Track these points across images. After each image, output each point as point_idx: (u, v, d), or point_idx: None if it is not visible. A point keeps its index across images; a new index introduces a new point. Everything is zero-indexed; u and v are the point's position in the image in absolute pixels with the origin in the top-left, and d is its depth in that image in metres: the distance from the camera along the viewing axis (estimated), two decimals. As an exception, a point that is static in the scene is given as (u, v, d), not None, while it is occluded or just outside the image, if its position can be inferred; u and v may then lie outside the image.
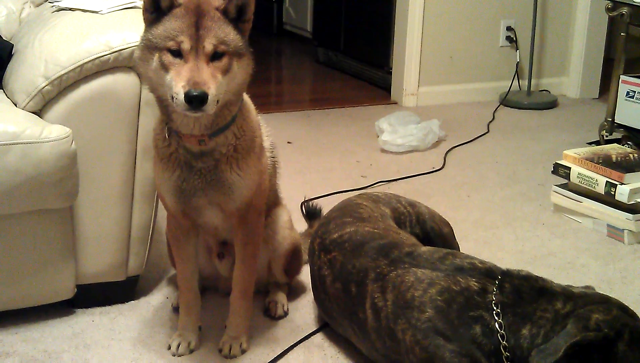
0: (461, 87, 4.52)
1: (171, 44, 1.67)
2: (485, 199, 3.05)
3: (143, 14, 1.73)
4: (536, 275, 1.67)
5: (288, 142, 3.80)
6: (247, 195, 1.87)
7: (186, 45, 1.66)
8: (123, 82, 2.04)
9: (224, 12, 1.71)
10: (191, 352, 1.97)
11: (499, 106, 4.42)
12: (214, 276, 2.18)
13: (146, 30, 1.73)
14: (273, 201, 2.18)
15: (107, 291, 2.19)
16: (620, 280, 2.31)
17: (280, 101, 4.94)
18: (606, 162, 2.70)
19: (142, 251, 2.21)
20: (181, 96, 1.62)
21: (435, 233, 2.17)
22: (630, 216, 2.57)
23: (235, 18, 1.73)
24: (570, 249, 2.56)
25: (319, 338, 2.04)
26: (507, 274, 1.67)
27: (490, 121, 4.16)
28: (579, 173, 2.74)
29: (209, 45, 1.67)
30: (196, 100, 1.62)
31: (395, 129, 3.72)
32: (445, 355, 1.59)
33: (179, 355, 1.95)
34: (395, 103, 4.46)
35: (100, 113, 2.04)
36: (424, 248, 1.83)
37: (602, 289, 1.76)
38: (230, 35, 1.70)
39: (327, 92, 4.95)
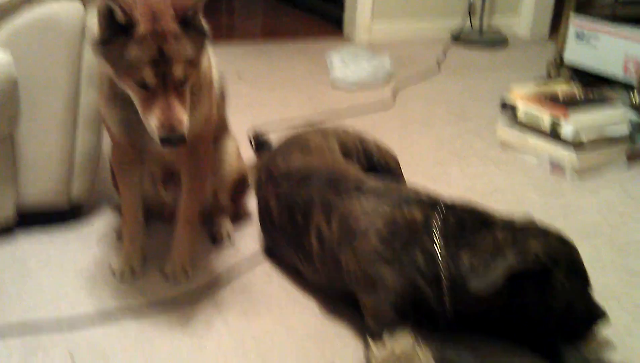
0: (413, 25, 4.50)
1: (136, 77, 1.56)
2: (434, 136, 3.07)
3: (98, 27, 1.57)
4: (479, 206, 1.69)
5: (239, 77, 3.76)
6: (197, 128, 1.84)
7: (152, 80, 1.56)
8: (67, 10, 1.99)
9: (182, 20, 1.58)
10: (135, 278, 1.96)
11: (450, 44, 4.42)
12: (159, 204, 2.16)
13: (102, 44, 1.57)
14: (222, 132, 2.16)
15: (50, 218, 2.17)
16: (562, 214, 2.37)
17: (231, 34, 4.85)
18: (553, 100, 2.74)
19: (85, 179, 2.18)
20: (156, 137, 1.59)
21: (382, 166, 2.18)
22: (573, 152, 2.62)
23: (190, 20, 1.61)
24: (515, 184, 2.61)
25: (265, 265, 2.05)
26: (451, 206, 1.69)
27: (442, 59, 4.17)
28: (526, 111, 2.78)
29: (177, 74, 1.58)
30: (173, 144, 1.59)
31: (346, 65, 3.70)
32: (387, 280, 1.62)
33: (123, 281, 1.94)
34: (348, 39, 4.43)
35: (43, 40, 1.99)
36: (371, 181, 1.84)
37: (544, 222, 1.80)
38: (193, 47, 1.60)
39: (279, 26, 4.90)
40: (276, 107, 3.37)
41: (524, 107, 2.79)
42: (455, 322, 1.63)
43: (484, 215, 1.66)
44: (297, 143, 2.08)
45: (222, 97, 2.09)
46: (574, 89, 2.97)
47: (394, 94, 3.57)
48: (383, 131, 3.08)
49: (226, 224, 2.18)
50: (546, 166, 2.71)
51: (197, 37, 1.63)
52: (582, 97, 2.80)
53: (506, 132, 2.87)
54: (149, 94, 1.59)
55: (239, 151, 2.23)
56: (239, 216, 2.28)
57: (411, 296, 1.60)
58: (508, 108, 2.85)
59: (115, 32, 1.55)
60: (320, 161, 1.95)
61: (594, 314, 1.64)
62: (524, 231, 1.62)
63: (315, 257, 1.80)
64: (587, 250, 2.05)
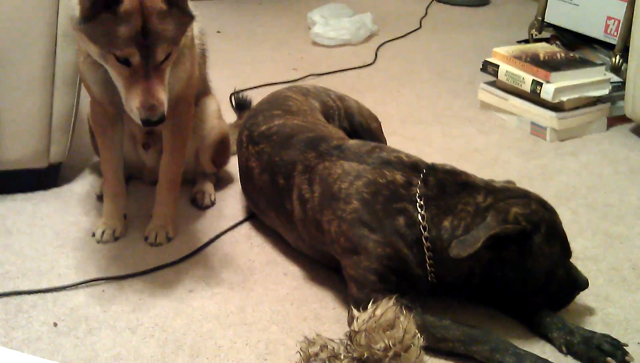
0: (396, -19, 4.45)
1: (118, 53, 1.55)
2: (414, 95, 3.06)
3: (80, 4, 1.55)
4: (460, 169, 1.70)
5: (217, 31, 3.71)
6: (178, 88, 1.83)
7: (136, 59, 1.55)
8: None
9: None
10: (116, 239, 1.95)
11: (432, 2, 4.39)
12: (139, 165, 2.15)
13: (84, 22, 1.55)
14: (202, 91, 2.14)
15: (29, 178, 2.14)
16: (541, 176, 2.39)
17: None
18: (534, 60, 2.73)
19: (64, 138, 2.15)
20: (137, 117, 1.60)
21: (363, 127, 2.17)
22: (553, 114, 2.62)
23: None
24: (494, 145, 2.62)
25: (246, 228, 2.05)
26: (432, 168, 1.69)
27: (423, 17, 4.14)
28: (506, 71, 2.77)
29: (160, 55, 1.57)
30: (154, 124, 1.61)
31: (327, 22, 3.66)
32: (368, 244, 1.62)
33: (104, 243, 1.94)
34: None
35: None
36: (352, 142, 1.83)
37: (523, 184, 1.81)
38: (177, 28, 1.59)
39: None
40: (256, 65, 3.33)
41: (505, 68, 2.78)
42: (436, 287, 1.65)
43: (464, 177, 1.67)
44: (277, 102, 2.07)
45: (203, 55, 2.06)
46: (555, 49, 2.96)
47: (375, 52, 3.54)
48: (363, 88, 3.07)
49: (208, 187, 2.18)
50: (526, 128, 2.72)
51: (182, 17, 1.61)
52: (564, 57, 2.80)
53: (486, 92, 2.87)
54: (131, 71, 1.58)
55: (220, 111, 2.21)
56: (220, 177, 2.27)
57: (392, 260, 1.61)
58: (489, 68, 2.85)
59: (99, 8, 1.52)
60: (301, 121, 1.94)
61: (576, 282, 1.67)
62: (505, 195, 1.63)
63: (297, 220, 1.80)
64: (565, 212, 2.08)
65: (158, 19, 1.55)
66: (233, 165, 2.26)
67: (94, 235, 1.96)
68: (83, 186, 2.22)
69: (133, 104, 1.59)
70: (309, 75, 3.17)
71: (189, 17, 1.64)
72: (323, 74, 3.22)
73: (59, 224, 2.02)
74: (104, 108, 1.88)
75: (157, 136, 2.00)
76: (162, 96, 1.60)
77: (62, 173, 2.23)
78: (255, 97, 2.38)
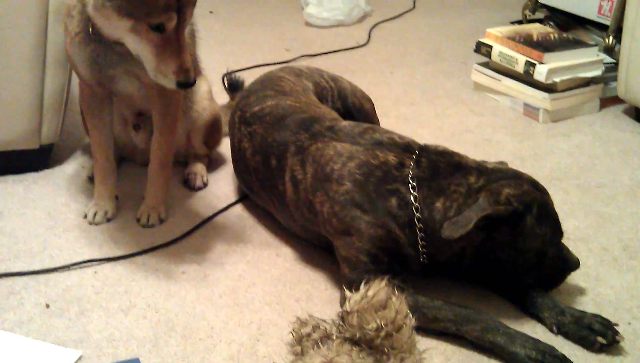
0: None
1: (155, 21, 1.57)
2: (408, 76, 3.05)
3: None
4: (453, 150, 1.70)
5: (210, 12, 3.69)
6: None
7: (173, 22, 1.58)
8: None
9: None
10: (108, 220, 1.95)
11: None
12: (131, 147, 2.14)
13: None
14: (192, 71, 2.12)
15: (20, 159, 2.13)
16: (533, 157, 2.39)
17: (202, -32, 4.74)
18: (527, 41, 2.72)
19: (55, 119, 2.14)
20: (173, 83, 1.64)
21: (357, 108, 2.17)
22: (546, 95, 2.62)
23: None
24: (487, 126, 2.61)
25: (238, 209, 2.05)
26: (425, 149, 1.69)
27: (417, -5, 4.12)
28: (500, 52, 2.76)
29: (189, 17, 1.61)
30: (188, 86, 1.68)
31: (320, 2, 3.64)
32: (361, 225, 1.62)
33: (96, 224, 1.94)
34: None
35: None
36: (345, 123, 1.83)
37: (516, 165, 1.81)
38: None
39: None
40: (249, 45, 3.32)
41: (498, 48, 2.77)
42: (428, 268, 1.66)
43: (457, 158, 1.67)
44: (270, 82, 2.06)
45: (192, 36, 2.05)
46: (548, 29, 2.96)
47: (369, 32, 3.53)
48: (357, 69, 3.06)
49: (200, 169, 2.17)
50: (518, 108, 2.72)
51: None
52: (557, 38, 2.79)
53: (479, 73, 2.87)
54: (162, 37, 1.60)
55: (211, 92, 2.20)
56: (212, 159, 2.27)
57: (385, 241, 1.61)
58: (482, 49, 2.84)
59: None
60: (294, 102, 1.93)
61: (567, 263, 1.67)
62: (497, 176, 1.63)
63: (289, 201, 1.80)
64: (557, 192, 2.08)
65: None
66: (225, 146, 2.25)
67: (85, 216, 1.95)
68: (75, 167, 2.22)
69: (168, 69, 1.63)
70: (302, 56, 3.16)
71: None
72: (316, 54, 3.20)
73: (51, 206, 2.01)
74: (93, 89, 1.87)
75: (148, 118, 1.99)
76: (190, 59, 1.66)
77: (53, 154, 2.22)
78: (248, 78, 2.37)
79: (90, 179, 2.09)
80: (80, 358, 1.48)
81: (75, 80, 2.06)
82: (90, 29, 1.71)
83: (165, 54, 1.62)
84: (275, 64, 2.93)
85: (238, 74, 2.61)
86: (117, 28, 1.63)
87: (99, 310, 1.63)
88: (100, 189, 1.97)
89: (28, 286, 1.69)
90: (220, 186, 2.16)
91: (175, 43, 1.61)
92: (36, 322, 1.58)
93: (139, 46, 1.64)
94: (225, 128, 2.27)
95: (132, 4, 1.57)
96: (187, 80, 1.64)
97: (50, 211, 1.99)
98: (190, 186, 2.14)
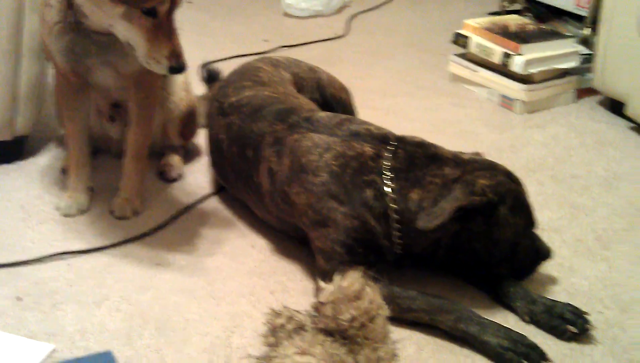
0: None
1: (148, 4, 1.57)
2: (387, 68, 3.05)
3: None
4: (429, 141, 1.70)
5: (188, 1, 3.66)
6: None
7: (166, 6, 1.59)
8: None
9: None
10: (82, 212, 1.94)
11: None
12: (106, 138, 2.12)
13: None
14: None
15: (-7, 152, 2.11)
16: (510, 148, 2.40)
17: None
18: (504, 32, 2.73)
19: (30, 110, 2.12)
20: (165, 69, 1.64)
21: (334, 99, 2.17)
22: (523, 86, 2.63)
23: None
24: (464, 117, 2.62)
25: (214, 201, 2.04)
26: (401, 140, 1.69)
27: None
28: (477, 43, 2.77)
29: (180, 1, 1.61)
30: (180, 71, 1.68)
31: (299, -8, 3.63)
32: (337, 217, 1.62)
33: (69, 216, 1.92)
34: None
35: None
36: (322, 114, 1.82)
37: (492, 156, 1.81)
38: None
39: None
40: (227, 36, 3.30)
41: (476, 40, 2.78)
42: (403, 258, 1.66)
43: (433, 150, 1.67)
44: (248, 73, 2.05)
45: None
46: (525, 21, 2.97)
47: (348, 23, 3.52)
48: (335, 60, 3.05)
49: (175, 160, 2.16)
50: (495, 100, 2.73)
51: None
52: (534, 30, 2.80)
53: (457, 65, 2.87)
54: (155, 22, 1.60)
55: (188, 83, 2.19)
56: (188, 150, 2.26)
57: (360, 233, 1.62)
58: (459, 40, 2.84)
59: None
60: (272, 93, 1.93)
61: (539, 252, 1.69)
62: (472, 166, 1.64)
63: (265, 192, 1.79)
64: (532, 183, 2.09)
65: None
66: (201, 138, 2.24)
67: (59, 208, 1.94)
68: (48, 159, 2.20)
69: (161, 54, 1.62)
70: (280, 46, 3.15)
71: None
72: (294, 45, 3.19)
73: (24, 198, 1.99)
74: (69, 79, 1.86)
75: (123, 109, 1.98)
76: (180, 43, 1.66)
77: (27, 145, 2.20)
78: (226, 69, 2.36)
79: (64, 171, 2.07)
80: (52, 351, 1.47)
81: (51, 70, 2.04)
82: (70, 18, 1.70)
83: (158, 39, 1.61)
84: (253, 54, 2.91)
85: (216, 65, 2.60)
86: (108, 15, 1.62)
87: (72, 303, 1.62)
88: (74, 181, 1.95)
89: (0, 279, 1.68)
90: (196, 178, 2.15)
91: (167, 28, 1.61)
92: (8, 315, 1.57)
93: (130, 32, 1.63)
94: (201, 119, 2.26)
95: None
96: (180, 65, 1.65)
97: (23, 203, 1.97)
98: (165, 178, 2.13)
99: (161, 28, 1.61)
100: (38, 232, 1.86)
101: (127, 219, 1.93)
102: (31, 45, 2.04)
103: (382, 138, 1.70)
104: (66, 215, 1.92)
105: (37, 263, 1.74)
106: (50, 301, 1.61)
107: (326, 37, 3.33)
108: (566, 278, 1.75)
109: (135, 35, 1.63)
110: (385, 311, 1.38)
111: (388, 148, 1.67)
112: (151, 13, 1.60)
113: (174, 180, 2.12)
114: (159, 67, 1.65)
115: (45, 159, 2.19)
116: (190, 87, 2.20)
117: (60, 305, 1.61)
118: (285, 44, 3.18)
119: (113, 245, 1.81)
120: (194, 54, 2.75)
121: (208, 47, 3.07)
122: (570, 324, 1.54)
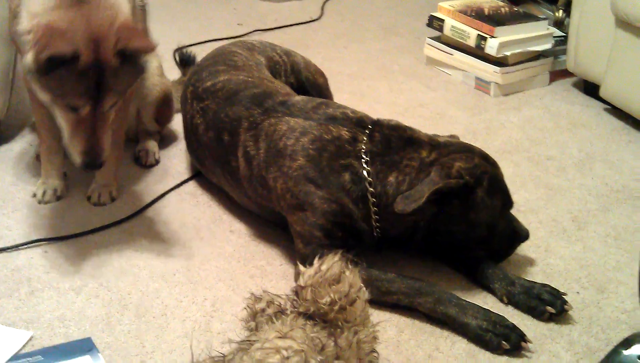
0: None
1: (69, 103, 1.56)
2: (362, 51, 3.05)
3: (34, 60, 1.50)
4: (405, 125, 1.71)
5: (161, -15, 3.62)
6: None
7: (86, 109, 1.57)
8: None
9: (122, 53, 1.55)
10: (58, 199, 1.92)
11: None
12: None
13: (39, 74, 1.52)
14: (143, 47, 2.08)
15: (-36, 138, 2.08)
16: (485, 130, 2.41)
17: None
18: (478, 15, 2.74)
19: (2, 96, 2.09)
20: (78, 162, 1.62)
21: (310, 83, 2.16)
22: (497, 68, 2.64)
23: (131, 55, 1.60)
24: (440, 100, 2.63)
25: (191, 186, 2.03)
26: (378, 124, 1.69)
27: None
28: (452, 26, 2.77)
29: (107, 105, 1.60)
30: (93, 168, 1.67)
31: (273, -25, 3.61)
32: (314, 201, 1.62)
33: (45, 203, 1.90)
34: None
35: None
36: (298, 98, 1.82)
37: (468, 139, 1.83)
38: (127, 81, 1.63)
39: None
40: (201, 20, 3.27)
41: (450, 22, 2.78)
42: (381, 241, 1.67)
43: (409, 133, 1.68)
44: (222, 57, 2.04)
45: (143, 9, 2.01)
46: (499, 3, 2.98)
47: (322, 7, 3.51)
48: (310, 44, 3.04)
49: (151, 146, 2.14)
50: (470, 83, 2.74)
51: (134, 72, 1.64)
52: (508, 12, 2.81)
53: (432, 48, 2.88)
54: (77, 117, 1.59)
55: (162, 68, 2.17)
56: (164, 135, 2.24)
57: (338, 216, 1.62)
58: (434, 23, 2.84)
59: (56, 64, 1.50)
60: (247, 77, 1.92)
61: (517, 234, 1.70)
62: (448, 148, 1.64)
63: (243, 177, 1.79)
64: (508, 165, 2.11)
65: (110, 75, 1.56)
66: (177, 123, 2.23)
67: (34, 195, 1.92)
68: (22, 145, 2.17)
69: (75, 149, 1.62)
70: (255, 30, 3.13)
71: (140, 71, 1.67)
72: (269, 29, 3.18)
73: (-2, 185, 1.97)
74: None
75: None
76: (105, 144, 1.63)
77: (0, 132, 2.16)
78: (200, 53, 2.34)
79: (38, 157, 2.04)
80: (31, 339, 1.46)
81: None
82: None
83: (78, 134, 1.60)
84: (227, 38, 2.90)
85: (190, 49, 2.58)
86: (41, 96, 1.62)
87: (50, 290, 1.60)
88: (47, 167, 1.93)
89: (-24, 267, 1.66)
90: (173, 163, 2.14)
91: (89, 123, 1.59)
92: (-15, 303, 1.55)
93: (57, 118, 1.63)
94: (176, 104, 2.24)
95: (50, 83, 1.55)
96: (91, 164, 1.62)
97: (-3, 190, 1.95)
98: (141, 164, 2.11)
99: (83, 123, 1.59)
100: (13, 219, 1.84)
101: (104, 205, 1.91)
102: (1, 32, 2.00)
103: (359, 122, 1.70)
104: (42, 202, 1.90)
105: (13, 251, 1.72)
106: (28, 289, 1.60)
107: (301, 21, 3.31)
108: (543, 259, 1.77)
109: (60, 123, 1.62)
110: (365, 294, 1.39)
111: (365, 131, 1.67)
112: (73, 109, 1.58)
113: (150, 166, 2.11)
114: (75, 158, 1.63)
115: (19, 146, 2.16)
116: (163, 72, 2.18)
117: (38, 292, 1.59)
118: (260, 28, 3.17)
119: (90, 231, 1.80)
120: (168, 38, 2.73)
121: (182, 31, 3.05)
122: (549, 305, 1.56)
